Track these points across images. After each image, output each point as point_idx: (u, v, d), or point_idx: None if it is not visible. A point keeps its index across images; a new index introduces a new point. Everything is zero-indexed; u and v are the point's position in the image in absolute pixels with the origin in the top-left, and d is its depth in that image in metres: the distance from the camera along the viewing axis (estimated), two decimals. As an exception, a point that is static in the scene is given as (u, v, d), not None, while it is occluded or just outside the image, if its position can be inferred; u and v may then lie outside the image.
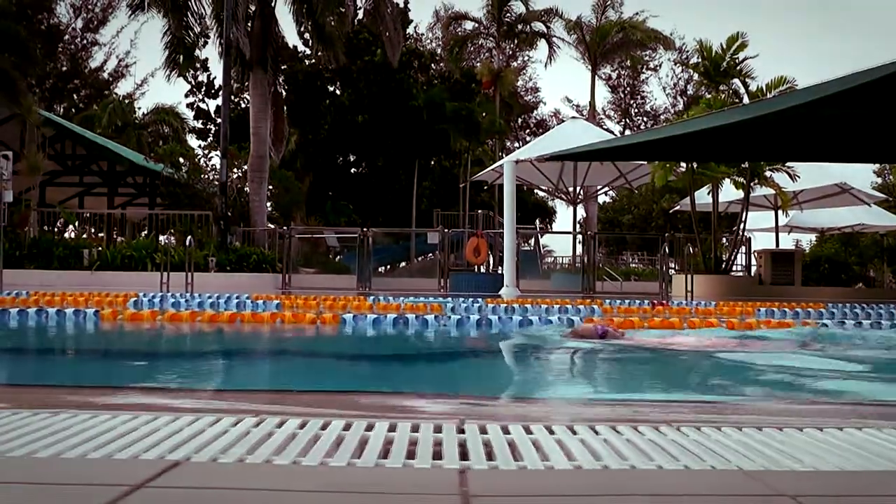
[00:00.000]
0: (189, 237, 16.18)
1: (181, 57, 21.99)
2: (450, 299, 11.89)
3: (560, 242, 43.97)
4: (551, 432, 2.25)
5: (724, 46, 19.43)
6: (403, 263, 28.98)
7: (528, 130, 44.07)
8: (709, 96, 19.75)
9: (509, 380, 5.69)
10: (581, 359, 6.38)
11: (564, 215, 45.67)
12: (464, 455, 1.98)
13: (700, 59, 20.47)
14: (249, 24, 22.67)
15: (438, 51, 36.43)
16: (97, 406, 2.58)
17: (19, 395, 3.39)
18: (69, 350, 6.95)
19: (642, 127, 42.97)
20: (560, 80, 59.44)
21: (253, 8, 22.58)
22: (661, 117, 42.77)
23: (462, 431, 2.23)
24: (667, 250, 17.99)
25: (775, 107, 12.99)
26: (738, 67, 19.53)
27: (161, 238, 21.64)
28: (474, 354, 7.20)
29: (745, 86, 19.44)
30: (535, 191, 33.01)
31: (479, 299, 12.12)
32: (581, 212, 28.48)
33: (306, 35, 27.55)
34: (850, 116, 12.51)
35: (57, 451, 1.90)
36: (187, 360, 6.39)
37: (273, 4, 22.35)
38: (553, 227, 39.86)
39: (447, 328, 8.01)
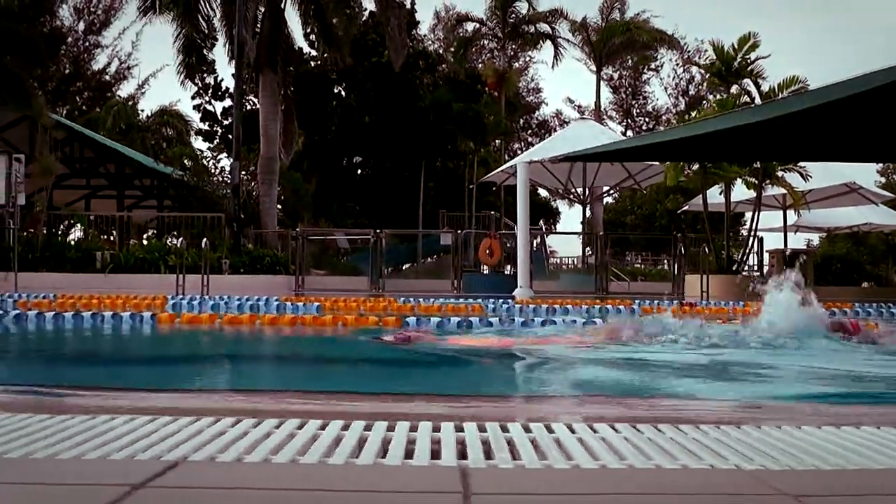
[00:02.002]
0: (205, 239, 16.17)
1: (194, 60, 21.95)
2: (488, 301, 11.86)
3: (562, 243, 44.10)
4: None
5: (736, 46, 19.46)
6: (407, 265, 28.93)
7: (529, 131, 44.12)
8: (712, 97, 19.93)
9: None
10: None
11: (567, 216, 45.82)
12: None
13: (711, 59, 20.50)
14: (258, 26, 22.66)
15: (441, 52, 36.47)
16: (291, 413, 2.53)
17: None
18: (176, 355, 6.62)
19: (644, 127, 43.09)
20: (561, 81, 59.66)
21: (262, 9, 22.57)
22: (663, 118, 42.90)
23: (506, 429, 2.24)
24: (682, 250, 18.01)
25: (789, 108, 13.02)
26: (750, 68, 19.57)
27: (169, 240, 21.64)
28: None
29: (757, 86, 19.48)
30: (539, 191, 33.06)
31: (508, 300, 12.15)
32: (587, 212, 28.53)
33: (312, 37, 27.52)
34: (864, 117, 12.55)
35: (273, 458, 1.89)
36: (321, 366, 6.14)
37: (282, 6, 22.32)
38: (556, 228, 39.94)
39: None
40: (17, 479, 1.65)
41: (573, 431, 2.20)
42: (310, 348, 7.46)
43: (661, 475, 1.82)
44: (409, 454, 1.93)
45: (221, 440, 2.04)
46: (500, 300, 12.26)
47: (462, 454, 1.93)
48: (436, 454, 1.94)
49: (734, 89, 20.01)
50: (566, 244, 46.12)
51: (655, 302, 12.54)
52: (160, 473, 1.66)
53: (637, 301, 12.42)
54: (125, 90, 36.86)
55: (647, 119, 43.86)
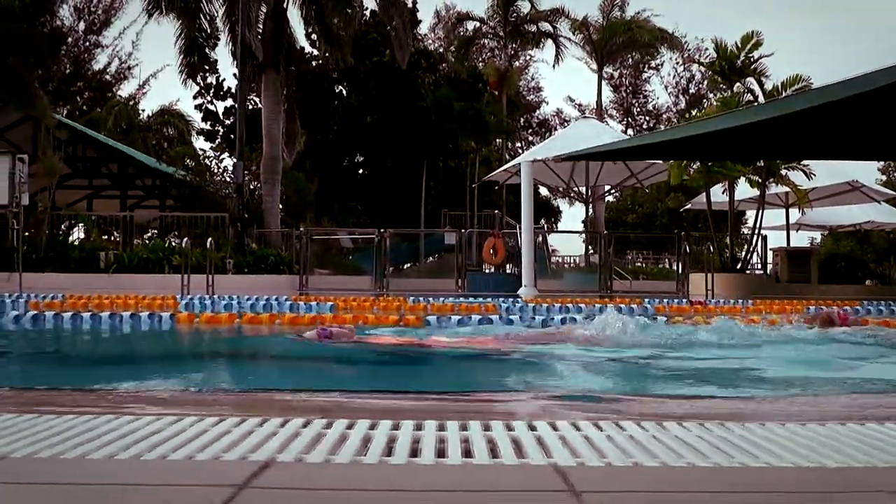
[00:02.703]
0: (209, 239, 16.18)
1: (196, 59, 21.93)
2: (501, 301, 11.84)
3: (562, 242, 44.13)
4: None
5: (739, 45, 19.49)
6: (408, 265, 28.90)
7: (530, 130, 44.13)
8: (712, 95, 19.95)
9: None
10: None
11: (568, 215, 45.88)
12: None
13: (711, 58, 20.54)
14: (260, 26, 22.62)
15: (440, 51, 36.48)
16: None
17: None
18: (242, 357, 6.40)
19: (644, 126, 43.12)
20: (561, 80, 59.63)
21: (265, 9, 22.54)
22: (664, 116, 42.93)
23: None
24: (687, 249, 18.03)
25: (793, 107, 13.01)
26: (753, 66, 19.60)
27: (172, 241, 21.60)
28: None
29: (761, 84, 19.51)
30: (540, 190, 33.07)
31: (518, 300, 12.14)
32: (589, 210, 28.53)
33: (313, 36, 27.51)
34: (868, 115, 12.55)
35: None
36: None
37: (284, 6, 22.33)
38: (557, 227, 39.99)
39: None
40: (117, 480, 1.65)
41: (645, 428, 2.19)
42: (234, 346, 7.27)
43: (761, 474, 1.81)
44: (493, 453, 1.92)
45: (300, 441, 2.02)
46: (512, 300, 12.24)
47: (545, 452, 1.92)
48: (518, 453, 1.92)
49: (736, 87, 20.08)
50: (566, 243, 46.22)
51: (666, 301, 12.54)
52: (257, 473, 1.65)
53: (647, 300, 12.41)
54: (126, 90, 36.88)
55: (647, 118, 43.89)
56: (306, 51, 29.54)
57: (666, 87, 43.59)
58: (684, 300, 12.83)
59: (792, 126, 13.21)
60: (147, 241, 24.17)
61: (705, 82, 38.76)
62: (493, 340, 6.81)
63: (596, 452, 1.91)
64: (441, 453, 1.91)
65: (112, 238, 24.05)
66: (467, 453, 1.91)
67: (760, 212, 19.90)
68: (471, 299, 12.19)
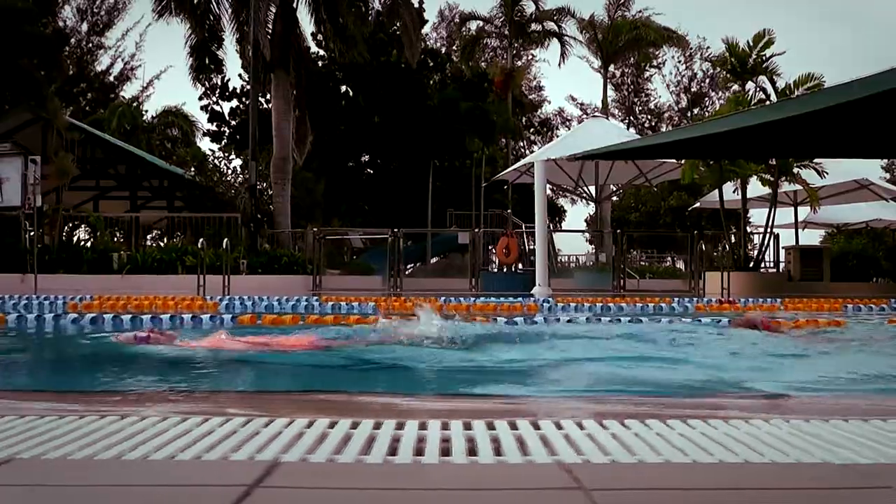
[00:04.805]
0: (226, 240, 16.20)
1: (207, 61, 21.90)
2: (539, 301, 11.83)
3: (564, 241, 44.19)
4: None
5: (751, 44, 19.53)
6: (411, 266, 28.86)
7: (532, 129, 44.12)
8: (714, 94, 20.07)
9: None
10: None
11: (571, 214, 45.92)
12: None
13: (715, 55, 20.59)
14: (269, 26, 22.57)
15: (443, 50, 36.52)
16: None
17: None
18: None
19: (647, 125, 43.17)
20: (562, 79, 59.67)
21: (274, 10, 22.49)
22: (665, 115, 42.96)
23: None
24: (702, 247, 18.04)
25: (809, 106, 13.03)
26: (765, 65, 19.63)
27: (179, 241, 21.55)
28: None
29: (773, 83, 19.54)
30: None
31: (549, 300, 12.14)
32: (593, 210, 28.60)
33: (319, 36, 27.48)
34: (883, 114, 12.57)
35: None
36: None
37: (295, 6, 22.30)
38: (561, 226, 40.00)
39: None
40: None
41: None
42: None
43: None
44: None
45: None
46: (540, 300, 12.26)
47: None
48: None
49: (748, 86, 20.10)
50: (569, 243, 46.26)
51: (694, 300, 12.56)
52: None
53: (677, 299, 12.43)
54: (129, 92, 36.80)
55: (649, 117, 43.93)
56: (312, 51, 29.51)
57: (668, 86, 43.68)
58: (713, 299, 12.85)
59: (806, 124, 13.22)
60: (152, 242, 24.13)
61: (707, 81, 38.92)
62: (317, 340, 6.43)
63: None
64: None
65: (116, 239, 23.96)
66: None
67: (773, 210, 19.93)
68: (501, 299, 12.20)
